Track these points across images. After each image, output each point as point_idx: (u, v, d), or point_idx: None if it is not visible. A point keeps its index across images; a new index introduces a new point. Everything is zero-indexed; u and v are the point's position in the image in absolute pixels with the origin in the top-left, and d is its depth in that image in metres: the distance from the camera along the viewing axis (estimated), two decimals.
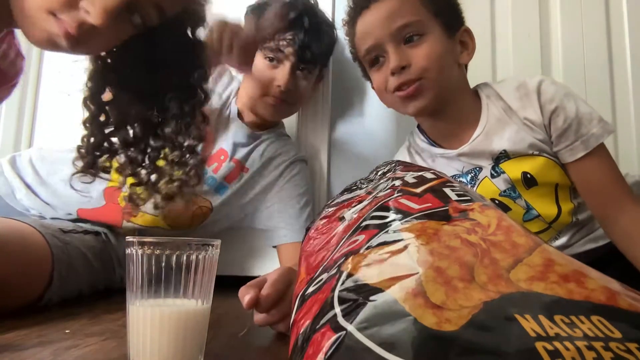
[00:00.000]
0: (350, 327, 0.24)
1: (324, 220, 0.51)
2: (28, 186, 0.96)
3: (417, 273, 0.27)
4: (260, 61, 0.98)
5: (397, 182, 0.43)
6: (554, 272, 0.26)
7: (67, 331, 0.58)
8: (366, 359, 0.22)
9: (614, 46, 1.20)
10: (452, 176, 0.86)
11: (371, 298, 0.26)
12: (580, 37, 1.20)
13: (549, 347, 0.21)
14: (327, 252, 0.40)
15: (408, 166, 0.51)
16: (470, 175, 0.85)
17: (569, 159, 0.78)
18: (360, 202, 0.46)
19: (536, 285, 0.26)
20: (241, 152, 1.04)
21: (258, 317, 0.61)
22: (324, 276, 0.34)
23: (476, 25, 1.22)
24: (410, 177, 0.44)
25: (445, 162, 0.88)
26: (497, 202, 0.83)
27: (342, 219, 0.46)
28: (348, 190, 0.59)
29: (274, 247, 1.05)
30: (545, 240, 0.90)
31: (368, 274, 0.29)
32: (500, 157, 0.81)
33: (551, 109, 0.77)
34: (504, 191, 0.82)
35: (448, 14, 0.83)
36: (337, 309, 0.27)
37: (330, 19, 1.27)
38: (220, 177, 1.01)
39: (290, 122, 1.21)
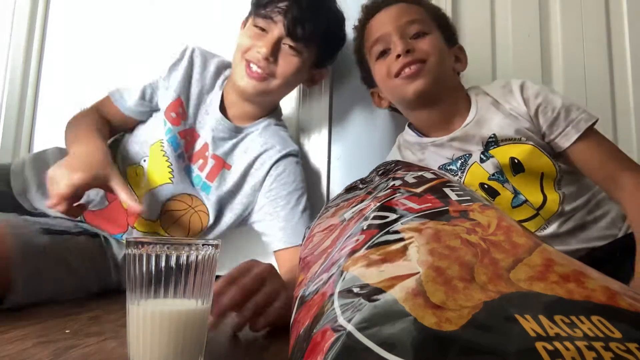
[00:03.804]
0: (350, 327, 0.24)
1: (324, 221, 0.51)
2: (41, 184, 0.94)
3: (418, 273, 0.27)
4: (249, 28, 0.94)
5: (397, 182, 0.43)
6: (554, 272, 0.26)
7: (67, 331, 0.58)
8: (366, 359, 0.22)
9: (614, 46, 1.20)
10: (443, 165, 0.91)
11: (371, 298, 0.26)
12: (580, 37, 1.20)
13: (549, 347, 0.21)
14: (327, 252, 0.40)
15: (408, 166, 0.51)
16: (460, 162, 0.89)
17: (565, 145, 0.83)
18: (360, 202, 0.46)
19: (536, 285, 0.26)
20: (222, 147, 0.98)
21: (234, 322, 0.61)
22: (324, 276, 0.34)
23: (476, 25, 1.23)
24: (410, 177, 0.44)
25: (435, 151, 0.92)
26: (486, 186, 0.87)
27: (342, 219, 0.45)
28: (348, 190, 0.60)
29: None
30: (535, 229, 0.86)
31: (368, 274, 0.29)
32: (490, 143, 0.86)
33: (537, 103, 0.84)
34: (493, 175, 0.86)
35: (447, 29, 0.95)
36: (337, 309, 0.27)
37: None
38: (204, 174, 0.98)
39: (290, 122, 1.21)
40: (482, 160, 0.87)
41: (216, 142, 0.98)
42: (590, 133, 0.82)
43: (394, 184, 0.43)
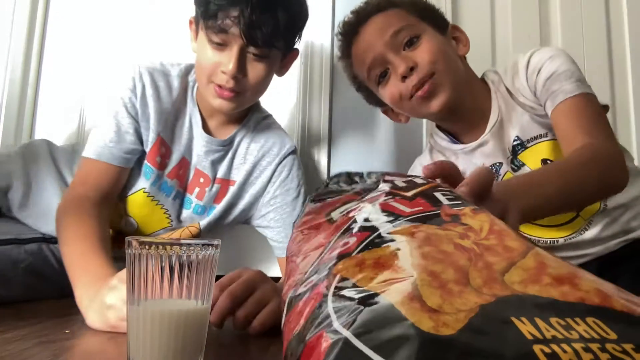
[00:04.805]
0: (347, 333, 0.24)
1: (310, 217, 0.49)
2: (27, 179, 0.92)
3: (412, 276, 0.27)
4: (205, 45, 0.82)
5: (387, 185, 0.43)
6: (548, 274, 0.26)
7: (67, 331, 0.58)
8: None
9: (614, 46, 1.20)
10: None
11: (366, 302, 0.26)
12: (580, 37, 1.20)
13: (547, 350, 0.21)
14: (316, 253, 0.40)
15: (394, 175, 0.50)
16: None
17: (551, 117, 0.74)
18: (348, 202, 0.45)
19: (531, 287, 0.26)
20: (222, 167, 0.94)
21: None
22: (314, 278, 0.34)
23: (476, 25, 1.23)
24: (400, 181, 0.43)
25: (466, 159, 0.86)
26: None
27: (330, 219, 0.45)
28: (333, 182, 0.57)
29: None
30: (574, 231, 0.80)
31: (362, 277, 0.29)
32: (516, 147, 0.81)
33: (534, 78, 0.78)
34: None
35: (433, 16, 0.86)
36: (332, 314, 0.27)
37: (330, 24, 1.26)
38: (208, 201, 0.94)
39: (291, 122, 1.21)
40: (514, 170, 0.81)
41: (215, 166, 0.93)
42: (568, 102, 0.71)
43: (384, 187, 0.43)
